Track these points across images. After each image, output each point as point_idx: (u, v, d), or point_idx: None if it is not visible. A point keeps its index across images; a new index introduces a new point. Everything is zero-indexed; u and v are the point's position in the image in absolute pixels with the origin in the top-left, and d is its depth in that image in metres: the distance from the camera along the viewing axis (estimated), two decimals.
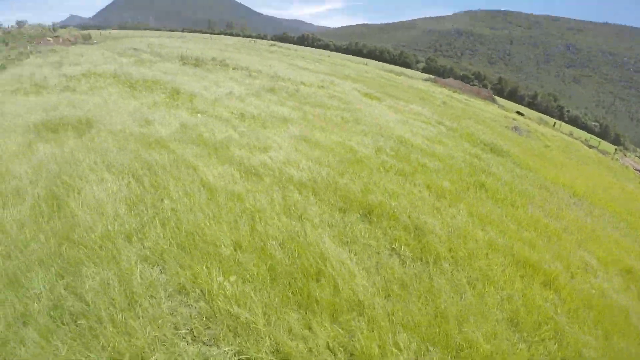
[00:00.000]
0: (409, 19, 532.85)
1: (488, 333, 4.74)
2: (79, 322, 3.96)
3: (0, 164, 7.45)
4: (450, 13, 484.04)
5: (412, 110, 20.05)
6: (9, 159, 7.78)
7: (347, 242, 5.99)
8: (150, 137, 9.34)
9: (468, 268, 6.10)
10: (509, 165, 14.33)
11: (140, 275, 4.57)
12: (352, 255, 5.65)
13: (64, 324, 3.94)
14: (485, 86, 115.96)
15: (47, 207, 6.02)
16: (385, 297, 4.97)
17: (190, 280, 4.59)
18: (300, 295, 4.66)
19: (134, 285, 4.41)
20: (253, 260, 5.05)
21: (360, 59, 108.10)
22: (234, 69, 24.17)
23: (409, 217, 7.20)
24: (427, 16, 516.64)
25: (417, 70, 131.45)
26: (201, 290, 4.48)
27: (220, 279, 4.63)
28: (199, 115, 11.69)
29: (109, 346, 3.69)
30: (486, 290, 5.65)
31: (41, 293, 4.32)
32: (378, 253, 5.91)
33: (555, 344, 4.93)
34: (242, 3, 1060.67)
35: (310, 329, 4.23)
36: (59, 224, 5.55)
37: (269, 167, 8.20)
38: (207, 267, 4.80)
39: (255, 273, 4.84)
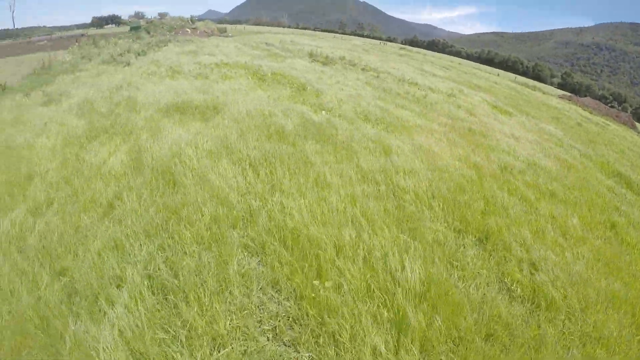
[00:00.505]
0: (545, 29, 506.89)
1: None
2: (167, 296, 4.13)
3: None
4: (590, 24, 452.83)
5: (543, 130, 18.71)
6: (138, 132, 8.19)
7: (456, 266, 5.44)
8: (271, 128, 9.39)
9: (582, 322, 5.27)
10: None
11: (237, 263, 4.61)
12: (459, 282, 5.14)
13: (153, 294, 4.14)
14: (625, 109, 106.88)
15: (163, 182, 6.40)
16: (485, 338, 4.42)
17: (285, 277, 4.50)
18: (394, 314, 4.28)
19: (229, 271, 4.45)
20: (352, 270, 4.74)
21: (491, 68, 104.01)
22: (362, 69, 24.02)
23: (527, 250, 6.41)
24: (565, 27, 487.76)
25: (552, 86, 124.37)
26: (294, 290, 4.40)
27: (316, 282, 4.45)
28: (323, 112, 11.56)
29: (188, 325, 3.76)
30: (597, 352, 4.85)
31: (139, 261, 4.59)
32: (487, 285, 5.31)
33: None
34: (374, 5, 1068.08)
35: (396, 354, 3.86)
36: (170, 200, 5.84)
37: (387, 173, 7.79)
38: (304, 267, 4.64)
39: (351, 283, 4.55)
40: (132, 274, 4.35)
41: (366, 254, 5.08)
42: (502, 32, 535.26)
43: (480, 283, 5.23)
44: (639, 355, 5.02)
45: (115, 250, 4.87)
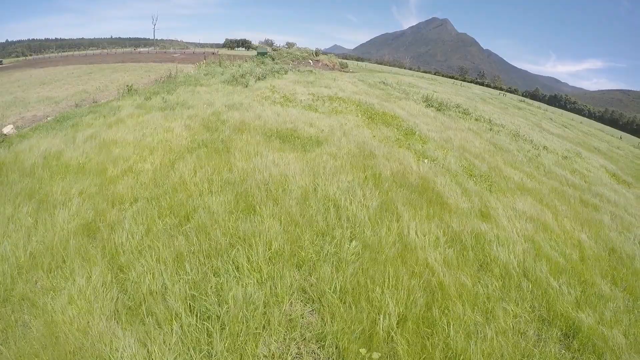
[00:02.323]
0: None
1: None
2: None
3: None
4: None
5: None
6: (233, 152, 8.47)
7: None
8: (368, 171, 9.08)
9: None
10: None
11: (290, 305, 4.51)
12: None
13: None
14: None
15: (244, 205, 6.36)
16: None
17: (332, 336, 4.15)
18: None
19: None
20: (411, 344, 4.22)
21: (615, 130, 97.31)
22: (476, 119, 23.27)
23: (618, 356, 5.37)
24: None
25: None
26: (338, 353, 4.01)
27: (363, 350, 4.00)
28: (425, 160, 11.14)
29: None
30: None
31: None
32: None
33: None
34: (497, 54, 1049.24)
35: None
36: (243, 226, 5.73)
37: (478, 238, 7.09)
38: (357, 329, 4.25)
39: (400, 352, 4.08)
40: (177, 290, 4.36)
41: (430, 331, 4.52)
42: (628, 90, 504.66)
43: None
44: None
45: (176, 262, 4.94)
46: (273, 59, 51.76)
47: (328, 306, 4.52)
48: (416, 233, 6.63)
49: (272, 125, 11.93)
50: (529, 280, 6.29)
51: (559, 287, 6.32)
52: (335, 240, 5.84)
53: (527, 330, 5.10)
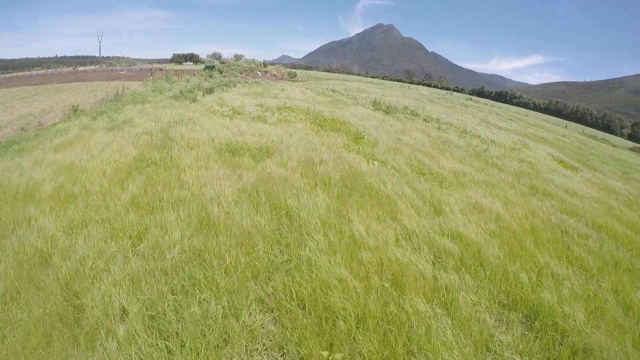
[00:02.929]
0: (615, 76, 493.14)
1: None
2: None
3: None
4: None
5: (611, 186, 17.72)
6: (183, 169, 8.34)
7: (493, 350, 4.82)
8: (318, 178, 9.18)
9: None
10: None
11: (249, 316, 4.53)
12: None
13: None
14: None
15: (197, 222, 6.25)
16: None
17: (293, 343, 4.23)
18: None
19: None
20: (371, 342, 4.32)
21: (559, 120, 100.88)
22: (424, 119, 23.71)
23: (579, 334, 5.51)
24: (636, 73, 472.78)
25: (622, 137, 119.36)
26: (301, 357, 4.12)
27: (325, 353, 4.09)
28: (375, 162, 11.31)
29: None
30: None
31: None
32: None
33: None
34: (442, 56, 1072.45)
35: None
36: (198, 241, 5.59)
37: (431, 235, 7.22)
38: (316, 332, 4.37)
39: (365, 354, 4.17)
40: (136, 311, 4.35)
41: (389, 327, 4.61)
42: (571, 82, 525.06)
43: None
44: None
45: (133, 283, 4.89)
46: (221, 72, 51.57)
47: (287, 313, 4.57)
48: (367, 233, 6.74)
49: (222, 139, 11.88)
50: (482, 267, 6.53)
51: (516, 272, 6.56)
52: (289, 249, 5.89)
53: (487, 319, 5.30)
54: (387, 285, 5.42)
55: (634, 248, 9.44)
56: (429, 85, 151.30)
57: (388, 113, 23.77)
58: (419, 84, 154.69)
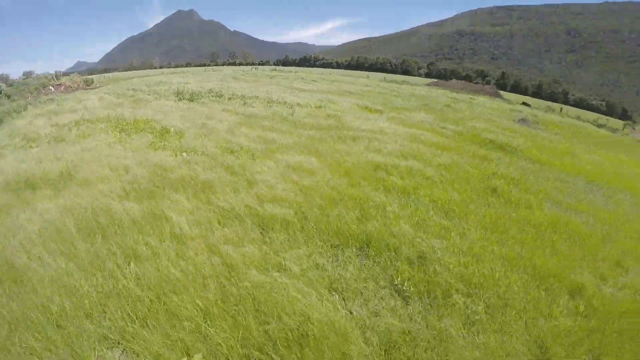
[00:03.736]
0: (410, 27, 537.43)
1: None
2: None
3: None
4: (451, 15, 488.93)
5: (414, 119, 19.42)
6: None
7: (339, 289, 5.23)
8: (125, 186, 8.78)
9: (485, 295, 5.47)
10: (520, 163, 13.83)
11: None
12: (345, 307, 4.94)
13: None
14: (488, 83, 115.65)
15: None
16: (385, 355, 4.31)
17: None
18: None
19: None
20: (224, 330, 4.38)
21: (362, 72, 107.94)
22: (229, 99, 23.65)
23: (412, 244, 6.48)
24: (428, 22, 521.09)
25: (420, 77, 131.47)
26: None
27: None
28: (184, 154, 11.08)
29: None
30: (506, 318, 5.10)
31: None
32: (376, 296, 5.20)
33: None
34: (245, 33, 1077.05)
35: None
36: None
37: (251, 208, 7.42)
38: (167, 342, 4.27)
39: (224, 347, 4.18)
40: None
41: (235, 311, 4.70)
42: (370, 38, 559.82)
43: (368, 297, 5.16)
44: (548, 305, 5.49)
45: None
46: (9, 97, 46.81)
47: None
48: (189, 225, 6.70)
49: (14, 176, 10.72)
50: (306, 219, 7.03)
51: (339, 214, 7.17)
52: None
53: (325, 264, 5.81)
54: (219, 264, 5.55)
55: (440, 163, 10.87)
56: (234, 64, 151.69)
57: (192, 100, 23.35)
58: (223, 64, 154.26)
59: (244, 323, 4.43)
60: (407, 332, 4.63)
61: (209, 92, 26.92)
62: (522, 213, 8.89)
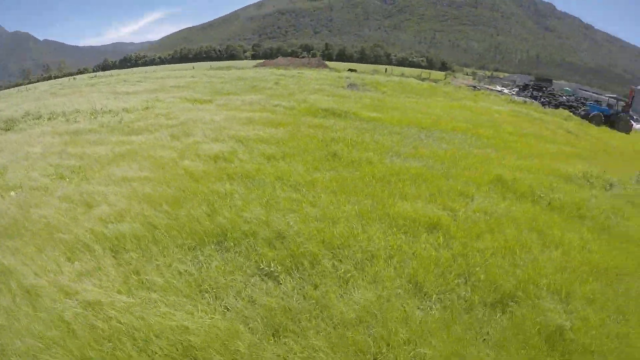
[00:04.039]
0: (231, 11, 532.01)
1: None
2: None
3: None
4: None
5: (245, 102, 19.60)
6: None
7: (209, 289, 5.18)
8: None
9: (350, 253, 5.97)
10: (355, 124, 14.92)
11: None
12: (220, 305, 4.93)
13: None
14: (314, 55, 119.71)
15: None
16: (274, 337, 4.43)
17: None
18: None
19: None
20: None
21: (187, 64, 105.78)
22: (49, 118, 21.83)
23: (267, 224, 6.68)
24: (249, 4, 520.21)
25: (247, 59, 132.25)
26: None
27: None
28: (12, 193, 9.91)
29: None
30: (377, 268, 5.61)
31: None
32: (247, 284, 5.27)
33: None
34: (57, 40, 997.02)
35: None
36: None
37: (97, 232, 6.76)
38: None
39: None
40: None
41: None
42: (191, 27, 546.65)
43: (239, 290, 5.18)
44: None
45: None
46: None
47: None
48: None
49: None
50: (155, 228, 6.82)
51: (187, 214, 7.25)
52: None
53: (185, 269, 5.73)
54: (78, 306, 5.07)
55: (278, 139, 11.87)
56: (50, 78, 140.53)
57: (9, 129, 21.15)
58: (38, 81, 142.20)
59: (126, 358, 4.20)
60: (288, 309, 4.77)
61: (26, 115, 24.65)
62: (366, 169, 9.60)
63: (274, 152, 10.77)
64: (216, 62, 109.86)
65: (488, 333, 4.93)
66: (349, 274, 5.47)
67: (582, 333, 5.29)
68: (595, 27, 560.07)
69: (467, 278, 5.78)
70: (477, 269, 5.93)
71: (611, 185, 12.78)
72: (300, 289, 5.16)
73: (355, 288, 5.22)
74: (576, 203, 9.72)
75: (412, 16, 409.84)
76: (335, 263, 5.71)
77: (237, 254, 5.93)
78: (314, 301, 4.93)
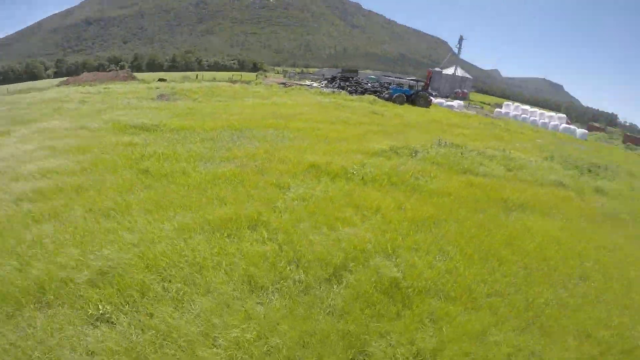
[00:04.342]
0: (32, 23, 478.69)
1: None
2: None
3: None
4: (77, 3, 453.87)
5: (48, 127, 18.40)
6: None
7: (37, 357, 4.47)
8: None
9: (177, 271, 6.10)
10: (167, 135, 14.93)
11: None
12: None
13: None
14: (122, 67, 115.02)
15: None
16: None
17: None
18: None
19: None
20: None
21: None
22: None
23: (86, 265, 6.10)
24: (53, 13, 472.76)
25: (50, 78, 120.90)
26: None
27: None
28: None
29: None
30: (211, 278, 5.87)
31: None
32: (79, 338, 4.77)
33: None
34: None
35: None
36: None
37: None
38: None
39: None
40: None
41: None
42: None
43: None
44: None
45: None
46: None
47: None
48: None
49: None
50: None
51: None
52: None
53: None
54: None
55: (84, 167, 11.14)
56: None
57: None
58: None
59: None
60: (130, 348, 4.61)
61: None
62: (180, 181, 9.73)
63: (81, 182, 9.81)
64: (15, 84, 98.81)
65: (330, 305, 5.50)
66: (182, 292, 5.49)
67: (414, 278, 6.21)
68: (398, 22, 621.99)
69: (298, 262, 6.32)
70: (304, 252, 6.52)
71: (416, 152, 15.21)
72: (137, 323, 4.95)
73: (192, 303, 5.29)
74: (386, 173, 11.38)
75: (224, 20, 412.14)
76: (165, 285, 5.65)
77: (60, 306, 5.28)
78: (154, 331, 4.81)
